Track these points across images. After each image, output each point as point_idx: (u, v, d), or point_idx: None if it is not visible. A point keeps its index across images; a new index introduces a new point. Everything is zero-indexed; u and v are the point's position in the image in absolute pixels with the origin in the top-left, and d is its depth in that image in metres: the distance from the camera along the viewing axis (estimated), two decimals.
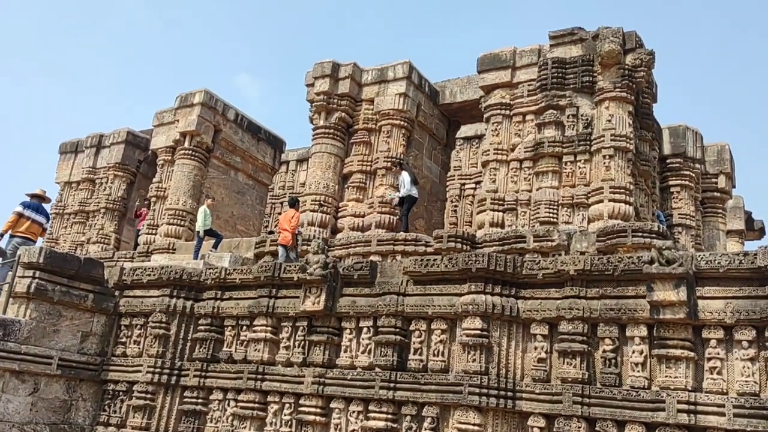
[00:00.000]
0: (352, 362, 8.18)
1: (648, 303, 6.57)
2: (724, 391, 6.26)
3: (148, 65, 56.83)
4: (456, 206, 15.86)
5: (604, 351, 6.87)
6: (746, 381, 6.17)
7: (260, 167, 17.75)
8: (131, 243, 17.06)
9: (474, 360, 7.24)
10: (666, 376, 6.45)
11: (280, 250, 11.18)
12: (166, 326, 9.42)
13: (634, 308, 6.73)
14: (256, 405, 8.57)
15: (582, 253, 8.82)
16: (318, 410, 8.12)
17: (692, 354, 6.43)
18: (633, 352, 6.72)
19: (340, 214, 13.79)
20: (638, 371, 6.63)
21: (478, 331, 7.27)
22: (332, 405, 8.07)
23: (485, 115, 12.76)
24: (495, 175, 12.15)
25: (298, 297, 8.64)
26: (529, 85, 12.28)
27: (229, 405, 8.82)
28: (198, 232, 13.10)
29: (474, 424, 7.04)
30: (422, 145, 14.85)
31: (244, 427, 8.53)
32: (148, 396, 9.16)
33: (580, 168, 11.44)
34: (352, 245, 11.74)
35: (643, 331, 6.71)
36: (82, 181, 18.63)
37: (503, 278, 7.50)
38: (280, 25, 57.19)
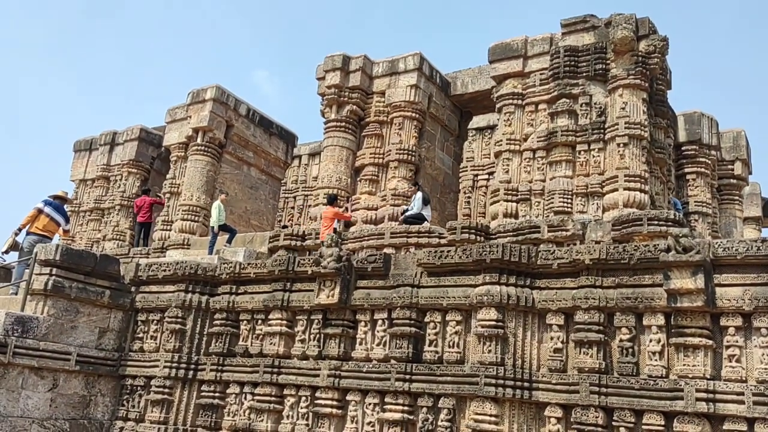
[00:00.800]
0: (368, 355, 8.19)
1: (665, 291, 6.51)
2: (743, 379, 6.20)
3: (163, 63, 57.13)
4: (469, 197, 15.79)
5: (620, 340, 6.82)
6: (766, 368, 6.10)
7: (273, 162, 17.77)
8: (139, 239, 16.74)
9: (489, 351, 7.22)
10: (684, 365, 6.40)
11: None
12: (182, 321, 9.48)
13: (650, 297, 6.67)
14: (273, 398, 8.61)
15: (597, 243, 8.75)
16: (334, 403, 8.14)
17: (710, 342, 6.37)
18: (650, 341, 6.67)
19: (352, 207, 13.80)
20: (656, 360, 6.58)
21: (494, 322, 7.24)
22: (348, 397, 8.09)
23: (497, 105, 12.70)
24: (508, 165, 12.10)
25: (312, 290, 8.65)
26: (541, 74, 12.20)
27: (245, 398, 8.87)
28: (212, 227, 13.18)
29: (490, 415, 7.03)
30: (434, 136, 14.81)
31: (261, 421, 8.58)
32: (166, 390, 9.24)
33: (594, 157, 11.36)
34: (366, 238, 11.74)
35: (661, 319, 6.65)
36: (97, 179, 18.79)
37: (518, 269, 7.47)
38: (294, 20, 57.23)
